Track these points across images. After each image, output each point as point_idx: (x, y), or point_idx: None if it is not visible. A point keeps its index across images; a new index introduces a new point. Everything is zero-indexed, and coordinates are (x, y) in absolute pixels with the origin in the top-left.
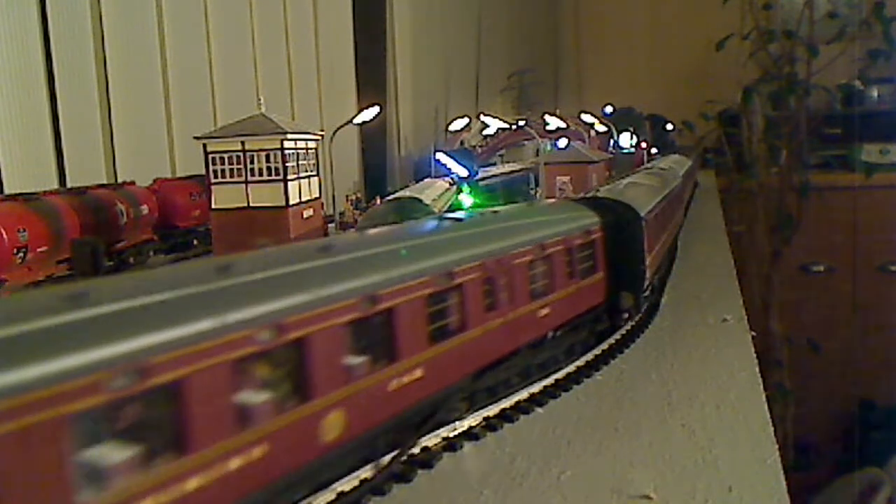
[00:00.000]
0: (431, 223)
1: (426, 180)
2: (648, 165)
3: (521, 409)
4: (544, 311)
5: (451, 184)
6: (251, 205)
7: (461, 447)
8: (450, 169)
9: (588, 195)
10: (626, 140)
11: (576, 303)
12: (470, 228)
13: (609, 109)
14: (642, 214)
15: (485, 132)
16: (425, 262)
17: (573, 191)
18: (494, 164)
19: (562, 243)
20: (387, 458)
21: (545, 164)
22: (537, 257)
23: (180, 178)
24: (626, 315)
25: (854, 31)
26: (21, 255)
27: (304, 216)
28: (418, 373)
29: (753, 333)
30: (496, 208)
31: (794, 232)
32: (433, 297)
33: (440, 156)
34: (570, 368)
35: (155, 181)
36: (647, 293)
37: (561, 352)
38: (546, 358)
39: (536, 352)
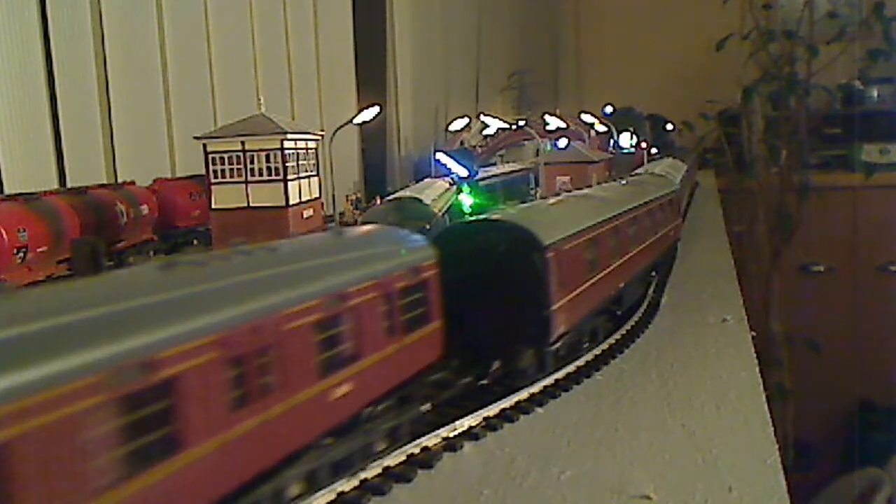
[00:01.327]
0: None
1: (426, 180)
2: (636, 172)
3: (521, 409)
4: (343, 389)
5: (451, 184)
6: (251, 205)
7: (461, 447)
8: (450, 169)
9: (482, 218)
10: (626, 140)
11: (397, 367)
12: (211, 281)
13: (609, 109)
14: (545, 243)
15: (485, 132)
16: (97, 349)
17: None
18: (494, 164)
19: (373, 289)
20: None
21: (545, 164)
22: (330, 313)
23: (180, 178)
24: (528, 377)
25: (854, 31)
26: (21, 255)
27: (304, 216)
28: None
29: (753, 333)
30: (274, 244)
31: (794, 232)
32: (116, 406)
33: (440, 156)
34: (570, 368)
35: (155, 181)
36: (557, 348)
37: (378, 438)
38: (350, 452)
39: (338, 444)
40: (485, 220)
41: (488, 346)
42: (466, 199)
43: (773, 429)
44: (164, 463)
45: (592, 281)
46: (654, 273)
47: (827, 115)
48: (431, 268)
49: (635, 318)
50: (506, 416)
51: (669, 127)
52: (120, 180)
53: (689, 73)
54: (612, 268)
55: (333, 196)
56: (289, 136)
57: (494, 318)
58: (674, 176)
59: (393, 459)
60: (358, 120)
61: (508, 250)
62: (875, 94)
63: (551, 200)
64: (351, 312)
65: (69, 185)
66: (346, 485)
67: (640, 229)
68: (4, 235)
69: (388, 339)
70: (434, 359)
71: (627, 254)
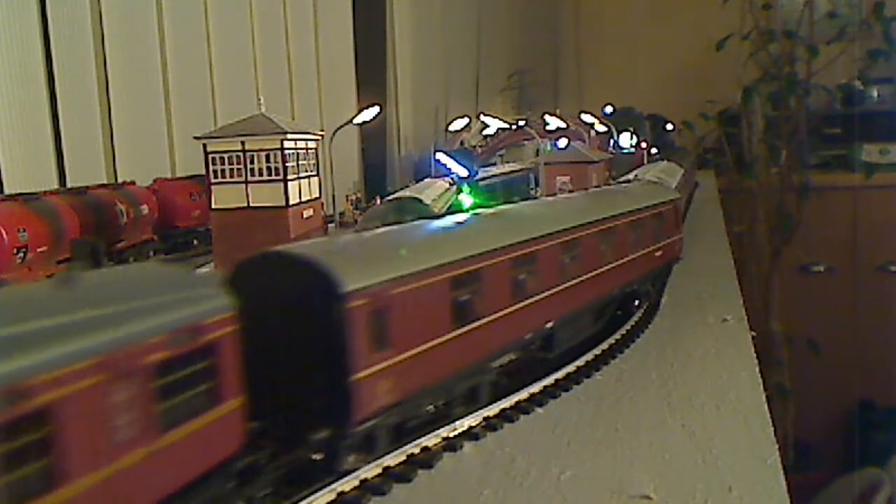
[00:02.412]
0: None
1: (426, 180)
2: (624, 179)
3: (521, 409)
4: None
5: (451, 184)
6: (251, 205)
7: (461, 447)
8: (450, 169)
9: (275, 251)
10: (626, 140)
11: (153, 477)
12: None
13: (609, 109)
14: (348, 288)
15: (485, 132)
16: None
17: (573, 191)
18: (494, 164)
19: (94, 372)
20: None
21: (545, 164)
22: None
23: (180, 178)
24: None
25: (854, 31)
26: (21, 255)
27: (304, 216)
28: None
29: (753, 333)
30: None
31: (794, 232)
32: None
33: (440, 156)
34: (570, 368)
35: (155, 181)
36: (368, 426)
37: None
38: None
39: None
40: (277, 254)
41: (292, 426)
42: (466, 199)
43: (773, 429)
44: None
45: (465, 330)
46: (636, 301)
47: (827, 115)
48: (222, 325)
49: (635, 318)
50: (506, 416)
51: (669, 127)
52: (120, 180)
53: (689, 73)
54: (519, 307)
55: (333, 196)
56: (289, 136)
57: (292, 388)
58: (668, 182)
59: (393, 459)
60: (358, 120)
61: (302, 296)
62: (875, 94)
63: (412, 227)
64: (45, 419)
65: (69, 185)
66: (346, 485)
67: (590, 252)
68: (4, 235)
69: (132, 441)
70: (231, 451)
71: (559, 285)
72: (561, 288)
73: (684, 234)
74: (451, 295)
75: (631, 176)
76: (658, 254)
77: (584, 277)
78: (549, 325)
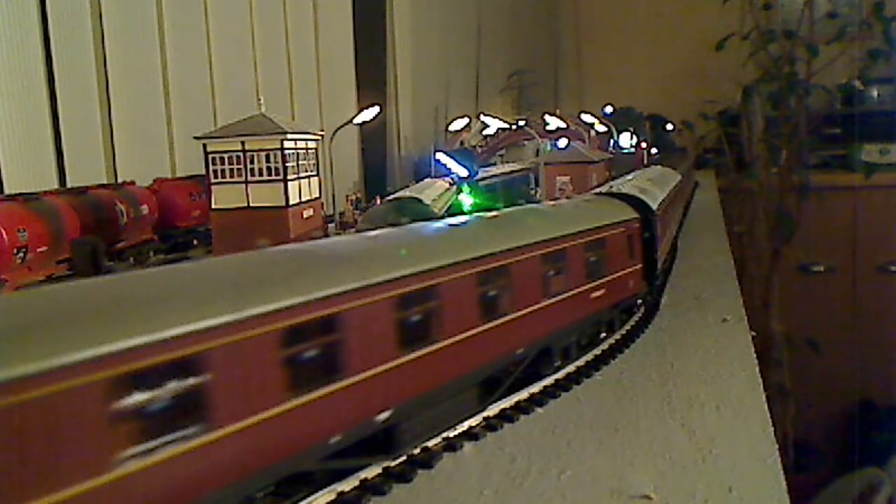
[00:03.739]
0: None
1: (426, 180)
2: (587, 195)
3: (521, 409)
4: None
5: (451, 184)
6: (251, 205)
7: (461, 447)
8: (450, 169)
9: None
10: (626, 140)
11: None
12: None
13: (609, 109)
14: None
15: (485, 132)
16: None
17: (573, 191)
18: (494, 164)
19: None
20: None
21: (545, 164)
22: None
23: (180, 178)
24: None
25: (854, 31)
26: (21, 255)
27: (304, 216)
28: None
29: (753, 333)
30: None
31: (794, 232)
32: None
33: (440, 156)
34: (570, 368)
35: (155, 181)
36: None
37: None
38: None
39: None
40: None
41: None
42: (466, 199)
43: (773, 429)
44: None
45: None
46: (557, 361)
47: (827, 115)
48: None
49: (635, 318)
50: (506, 416)
51: (669, 127)
52: (120, 180)
53: (689, 73)
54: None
55: (333, 196)
56: (289, 136)
57: None
58: (652, 193)
59: (393, 459)
60: (358, 120)
61: None
62: (875, 94)
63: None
64: None
65: (69, 185)
66: (346, 485)
67: (455, 304)
68: (4, 235)
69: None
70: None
71: (396, 359)
72: (399, 362)
73: (685, 233)
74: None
75: (605, 188)
76: (597, 294)
77: (439, 346)
78: (383, 417)
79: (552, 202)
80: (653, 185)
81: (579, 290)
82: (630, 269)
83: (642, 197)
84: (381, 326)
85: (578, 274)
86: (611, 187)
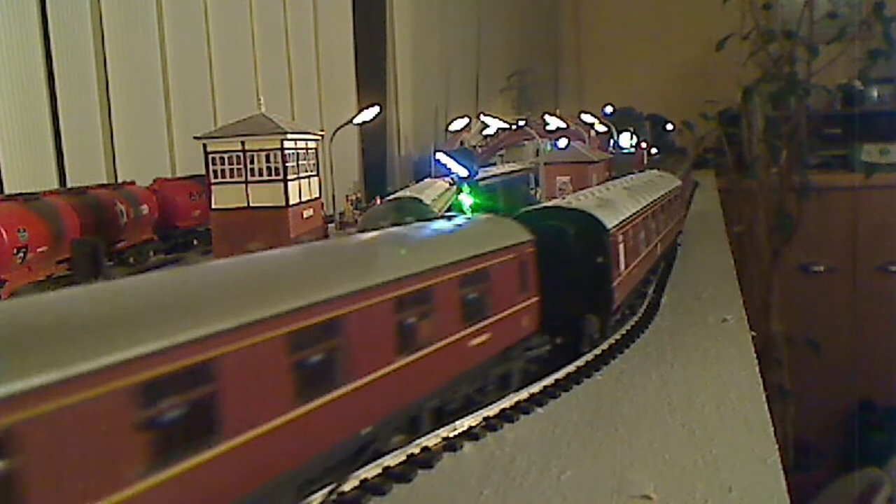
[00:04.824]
0: None
1: (426, 180)
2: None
3: (521, 409)
4: None
5: (451, 184)
6: (251, 205)
7: (461, 447)
8: (450, 169)
9: None
10: (626, 140)
11: None
12: None
13: (609, 109)
14: None
15: (485, 132)
16: None
17: (573, 191)
18: (494, 164)
19: None
20: None
21: (545, 164)
22: None
23: (180, 178)
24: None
25: (854, 31)
26: (21, 255)
27: (304, 216)
28: None
29: (753, 333)
30: None
31: (794, 232)
32: None
33: (440, 156)
34: (571, 368)
35: (155, 181)
36: None
37: None
38: None
39: None
40: None
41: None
42: (466, 199)
43: (773, 429)
44: None
45: None
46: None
47: (827, 115)
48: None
49: (635, 318)
50: (506, 416)
51: (669, 127)
52: (120, 180)
53: (689, 73)
54: None
55: (333, 196)
56: (289, 136)
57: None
58: (612, 210)
59: (393, 459)
60: (358, 120)
61: None
62: (875, 94)
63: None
64: None
65: (69, 185)
66: (346, 485)
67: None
68: (4, 235)
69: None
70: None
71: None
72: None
73: (685, 233)
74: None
75: (559, 200)
76: (478, 340)
77: (217, 451)
78: None
79: (416, 225)
80: (627, 196)
81: (452, 339)
82: (525, 304)
83: (594, 212)
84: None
85: (450, 318)
86: (566, 199)
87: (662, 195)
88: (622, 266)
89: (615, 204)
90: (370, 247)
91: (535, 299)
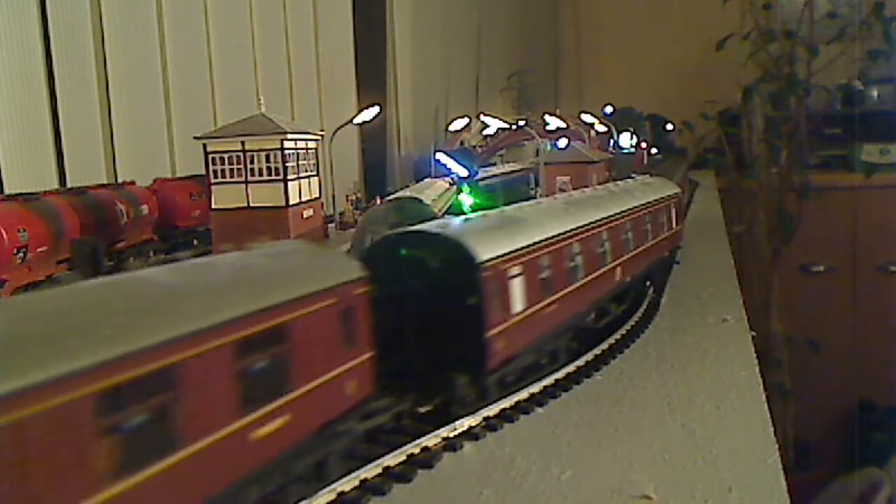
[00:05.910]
0: None
1: (426, 180)
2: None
3: (521, 409)
4: None
5: (451, 184)
6: (251, 205)
7: (461, 447)
8: (450, 169)
9: None
10: (626, 140)
11: None
12: None
13: (609, 109)
14: None
15: (485, 132)
16: None
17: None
18: (494, 164)
19: None
20: None
21: (545, 164)
22: None
23: (180, 178)
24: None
25: (854, 31)
26: (21, 255)
27: (304, 216)
28: None
29: (753, 333)
30: None
31: (794, 232)
32: None
33: (440, 156)
34: (571, 368)
35: (155, 181)
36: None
37: None
38: None
39: None
40: None
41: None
42: (466, 199)
43: (773, 429)
44: None
45: None
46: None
47: (827, 115)
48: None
49: (635, 318)
50: (506, 416)
51: (669, 127)
52: (120, 180)
53: (689, 73)
54: None
55: (333, 196)
56: (289, 136)
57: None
58: (499, 235)
59: (393, 459)
60: (358, 120)
61: None
62: (875, 94)
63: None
64: None
65: (69, 185)
66: (346, 485)
67: None
68: (4, 235)
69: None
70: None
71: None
72: None
73: (685, 233)
74: None
75: (437, 224)
76: (267, 429)
77: None
78: None
79: (196, 264)
80: (555, 213)
81: (219, 436)
82: (345, 367)
83: (465, 240)
84: None
85: (216, 407)
86: (441, 222)
87: (635, 207)
88: (515, 308)
89: (520, 225)
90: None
91: (366, 356)
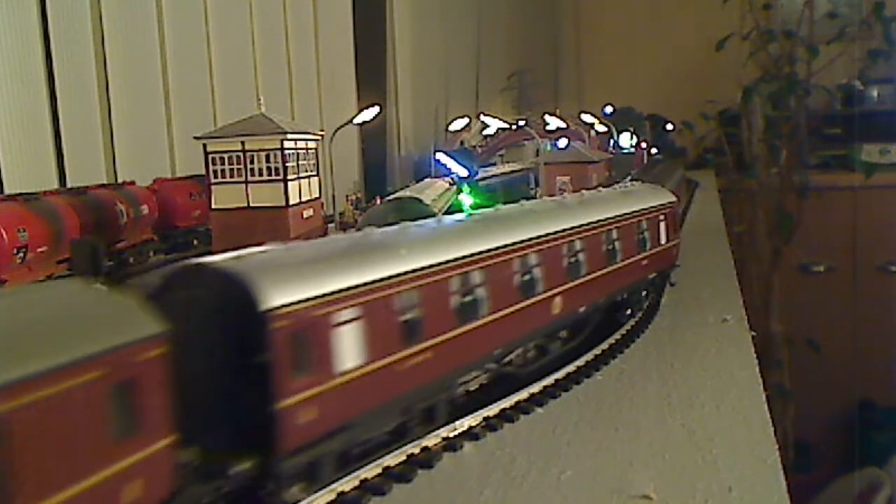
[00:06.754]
0: None
1: (426, 180)
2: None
3: (521, 409)
4: None
5: (451, 184)
6: (251, 205)
7: (461, 447)
8: (450, 169)
9: None
10: (626, 140)
11: None
12: None
13: (609, 109)
14: None
15: (485, 132)
16: None
17: (573, 191)
18: (494, 164)
19: None
20: None
21: (545, 164)
22: None
23: (180, 178)
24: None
25: (854, 31)
26: (21, 255)
27: (304, 216)
28: None
29: (753, 333)
30: None
31: (794, 232)
32: None
33: (440, 156)
34: (571, 368)
35: (155, 181)
36: None
37: None
38: None
39: None
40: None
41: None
42: (466, 199)
43: (773, 429)
44: None
45: None
46: None
47: (827, 115)
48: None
49: (635, 318)
50: (506, 416)
51: (669, 127)
52: (120, 180)
53: (689, 73)
54: None
55: (333, 196)
56: (289, 136)
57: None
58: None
59: (393, 459)
60: (358, 120)
61: None
62: (875, 94)
63: None
64: None
65: (69, 185)
66: (346, 485)
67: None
68: (4, 235)
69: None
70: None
71: None
72: None
73: (685, 233)
74: None
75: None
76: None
77: None
78: None
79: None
80: (456, 235)
81: None
82: (125, 464)
83: (250, 276)
84: None
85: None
86: (249, 252)
87: (593, 223)
88: (343, 364)
89: (373, 252)
90: None
91: (160, 443)
